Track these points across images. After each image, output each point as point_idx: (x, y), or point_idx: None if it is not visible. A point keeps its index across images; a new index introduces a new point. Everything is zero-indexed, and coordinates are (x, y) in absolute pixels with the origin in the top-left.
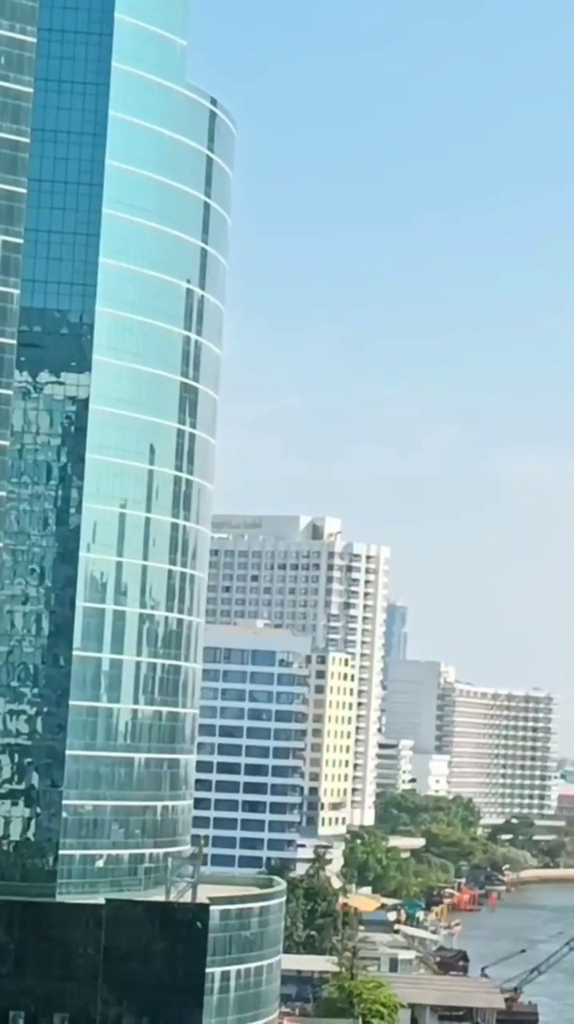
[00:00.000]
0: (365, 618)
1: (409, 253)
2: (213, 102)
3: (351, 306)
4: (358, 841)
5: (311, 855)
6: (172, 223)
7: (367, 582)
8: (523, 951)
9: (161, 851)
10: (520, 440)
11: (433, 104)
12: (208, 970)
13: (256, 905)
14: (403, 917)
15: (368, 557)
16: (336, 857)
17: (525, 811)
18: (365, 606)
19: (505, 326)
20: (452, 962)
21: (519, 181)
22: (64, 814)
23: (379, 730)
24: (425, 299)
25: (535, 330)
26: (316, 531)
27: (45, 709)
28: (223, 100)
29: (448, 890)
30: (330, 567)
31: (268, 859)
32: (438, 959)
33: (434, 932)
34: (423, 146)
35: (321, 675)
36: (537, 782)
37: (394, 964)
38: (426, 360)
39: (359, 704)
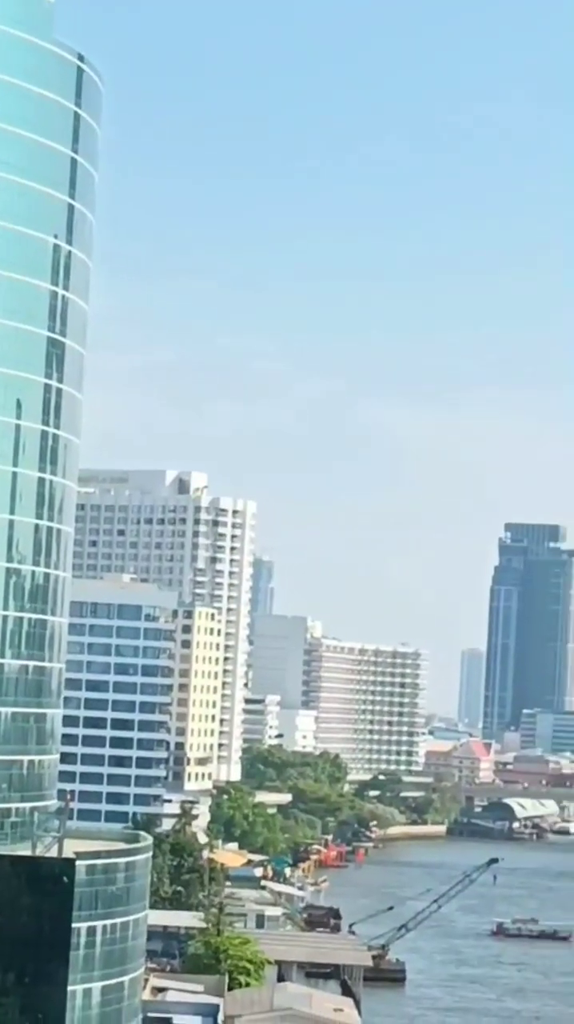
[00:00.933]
0: (231, 573)
1: (274, 203)
2: (80, 58)
3: (219, 259)
4: (224, 797)
5: (177, 810)
6: (38, 179)
7: (234, 537)
8: (391, 908)
9: (27, 805)
10: (386, 393)
11: (303, 59)
12: (74, 925)
13: (122, 860)
14: (270, 873)
15: (234, 512)
16: (202, 813)
17: (393, 767)
18: (231, 561)
19: (369, 280)
20: (324, 920)
21: (374, 135)
22: None
23: (245, 685)
24: (291, 253)
25: (398, 285)
26: (183, 486)
27: None
28: (91, 55)
29: (315, 846)
30: (196, 522)
31: (134, 814)
32: (309, 916)
33: (301, 889)
34: (286, 102)
35: (187, 630)
36: (405, 738)
37: (261, 920)
38: (293, 314)
39: (225, 659)
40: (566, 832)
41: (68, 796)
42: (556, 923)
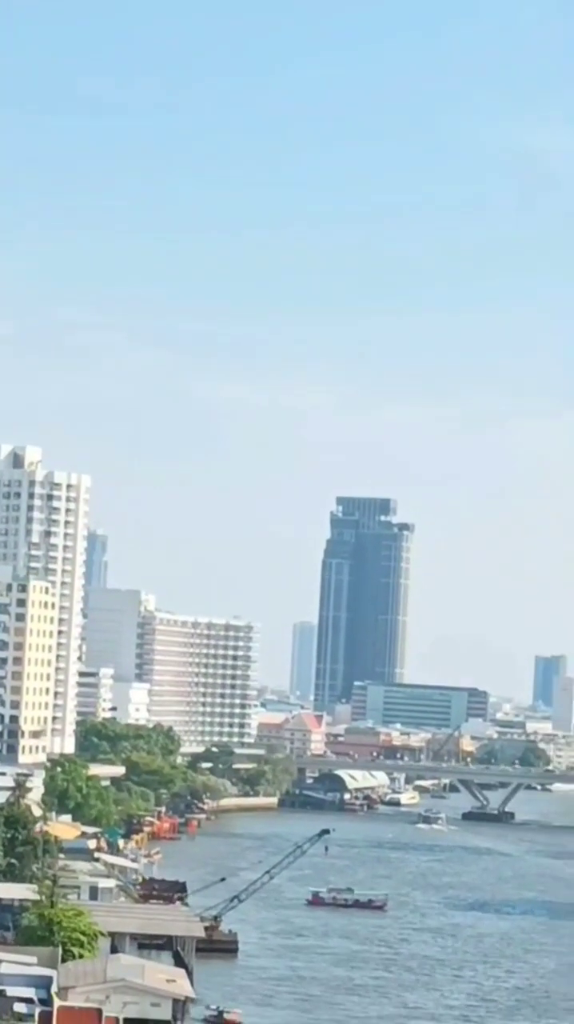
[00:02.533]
0: (66, 547)
1: (109, 177)
2: None
3: (53, 232)
4: (58, 769)
5: (11, 783)
6: None
7: (68, 511)
8: (223, 880)
9: None
10: (220, 367)
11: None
12: None
13: None
14: (103, 845)
15: (68, 486)
16: (36, 785)
17: (225, 740)
18: (66, 535)
19: (206, 246)
20: (169, 894)
21: (213, 86)
22: None
23: (79, 658)
24: (125, 224)
25: (235, 250)
26: (17, 459)
27: None
28: None
29: (148, 818)
30: (31, 496)
31: None
32: (153, 890)
33: (134, 860)
34: (112, 46)
35: (22, 603)
36: (237, 711)
37: (94, 892)
38: (128, 287)
39: (59, 632)
40: (396, 803)
41: None
42: (370, 892)
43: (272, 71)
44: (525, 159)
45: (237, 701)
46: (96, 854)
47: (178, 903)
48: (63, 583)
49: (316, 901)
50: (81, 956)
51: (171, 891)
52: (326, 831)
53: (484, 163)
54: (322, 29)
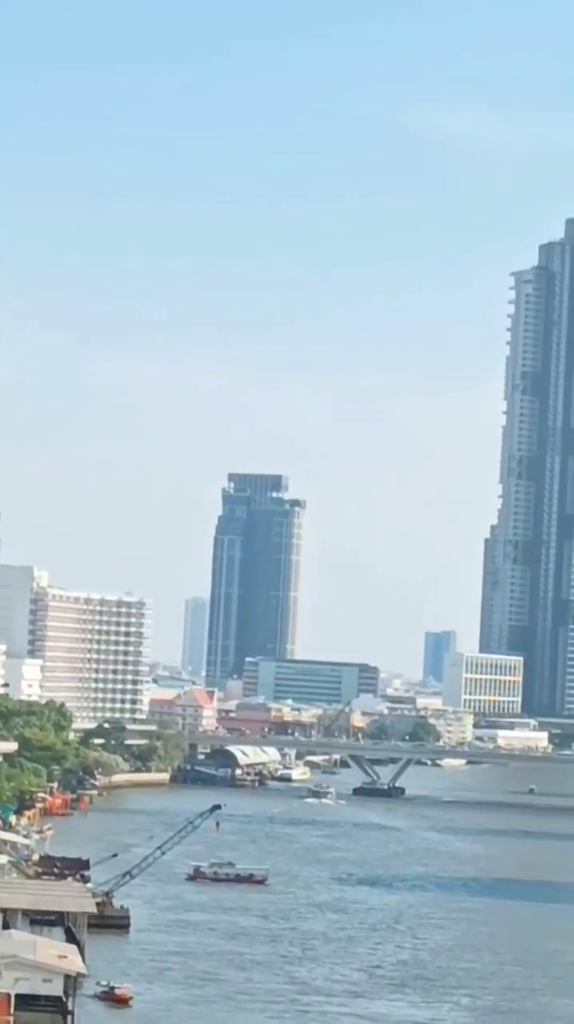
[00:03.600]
0: None
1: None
2: None
3: None
4: None
5: None
6: None
7: None
8: (115, 855)
9: None
10: (109, 345)
11: None
12: None
13: None
14: None
15: None
16: None
17: (117, 715)
18: None
19: (103, 224)
20: (71, 871)
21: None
22: None
23: None
24: (12, 200)
25: (127, 228)
26: None
27: None
28: None
29: (40, 794)
30: None
31: None
32: (54, 867)
33: (26, 836)
34: None
35: None
36: (129, 687)
37: None
38: (27, 266)
39: None
40: (287, 779)
41: None
42: (252, 867)
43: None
44: (440, 143)
45: (129, 677)
46: None
47: (75, 879)
48: None
49: (197, 875)
50: None
51: (73, 868)
52: (217, 806)
53: (398, 145)
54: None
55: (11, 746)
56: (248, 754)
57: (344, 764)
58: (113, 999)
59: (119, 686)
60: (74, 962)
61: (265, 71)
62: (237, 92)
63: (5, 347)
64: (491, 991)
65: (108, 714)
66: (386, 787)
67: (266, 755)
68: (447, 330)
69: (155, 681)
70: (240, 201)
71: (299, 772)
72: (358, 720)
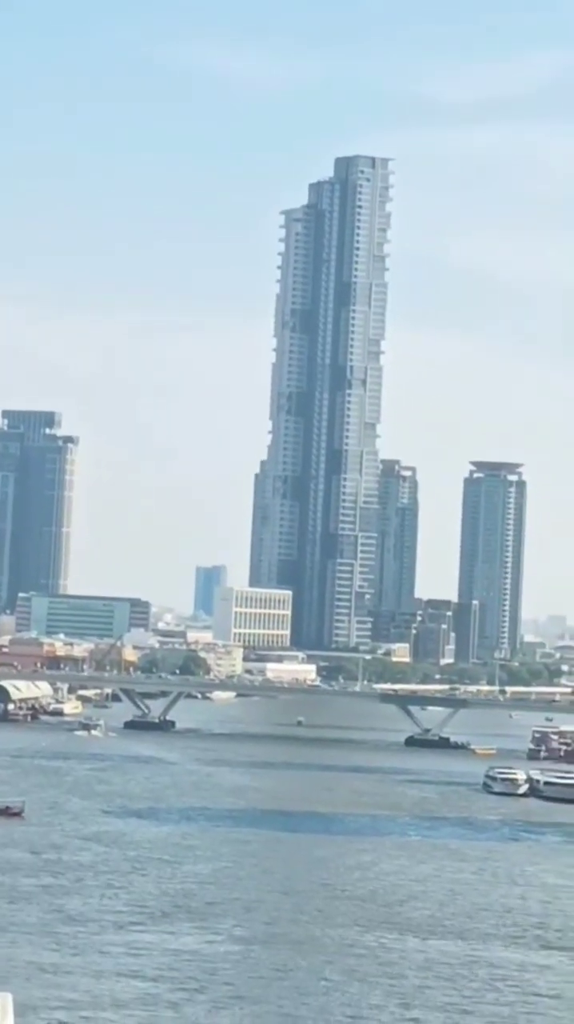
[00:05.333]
0: None
1: None
2: None
3: None
4: None
5: None
6: None
7: None
8: None
9: None
10: None
11: None
12: None
13: None
14: None
15: None
16: None
17: None
18: None
19: None
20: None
21: None
22: None
23: None
24: None
25: None
26: None
27: None
28: None
29: None
30: None
31: None
32: None
33: None
34: None
35: None
36: None
37: None
38: None
39: None
40: (60, 713)
41: None
42: (6, 799)
43: None
44: (210, 80)
45: None
46: None
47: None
48: None
49: None
50: None
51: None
52: None
53: (159, 79)
54: None
55: None
56: (20, 689)
57: (116, 698)
58: None
59: None
60: None
61: None
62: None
63: None
64: (258, 920)
65: None
66: (157, 720)
67: (39, 690)
68: (219, 268)
69: None
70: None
71: (71, 706)
72: (130, 654)
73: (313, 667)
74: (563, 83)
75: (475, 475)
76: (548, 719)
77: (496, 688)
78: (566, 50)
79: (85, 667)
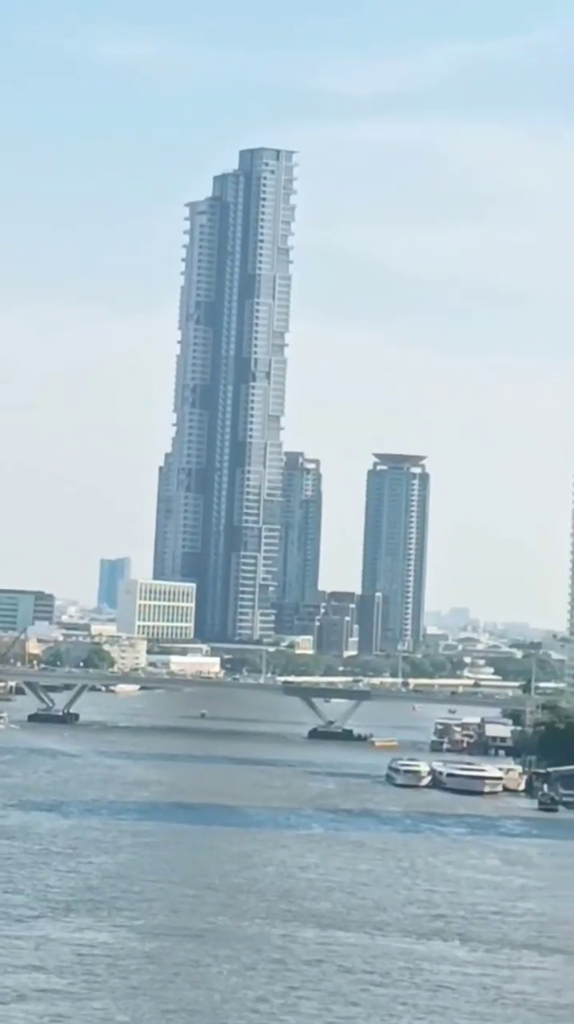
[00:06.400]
0: None
1: None
2: None
3: None
4: None
5: None
6: None
7: None
8: None
9: None
10: None
11: None
12: None
13: None
14: None
15: None
16: None
17: None
18: None
19: None
20: None
21: None
22: None
23: None
24: None
25: None
26: None
27: None
28: None
29: None
30: None
31: None
32: None
33: None
34: None
35: None
36: None
37: None
38: None
39: None
40: None
41: None
42: None
43: None
44: (114, 70)
45: None
46: None
47: None
48: None
49: None
50: None
51: None
52: None
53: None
54: None
55: None
56: None
57: (20, 691)
58: None
59: None
60: None
61: None
62: None
63: None
64: (159, 912)
65: None
66: (61, 713)
67: None
68: (122, 260)
69: None
70: None
71: None
72: (33, 647)
73: (217, 660)
74: (462, 78)
75: (378, 467)
76: (451, 711)
77: (399, 680)
78: (465, 45)
79: None
